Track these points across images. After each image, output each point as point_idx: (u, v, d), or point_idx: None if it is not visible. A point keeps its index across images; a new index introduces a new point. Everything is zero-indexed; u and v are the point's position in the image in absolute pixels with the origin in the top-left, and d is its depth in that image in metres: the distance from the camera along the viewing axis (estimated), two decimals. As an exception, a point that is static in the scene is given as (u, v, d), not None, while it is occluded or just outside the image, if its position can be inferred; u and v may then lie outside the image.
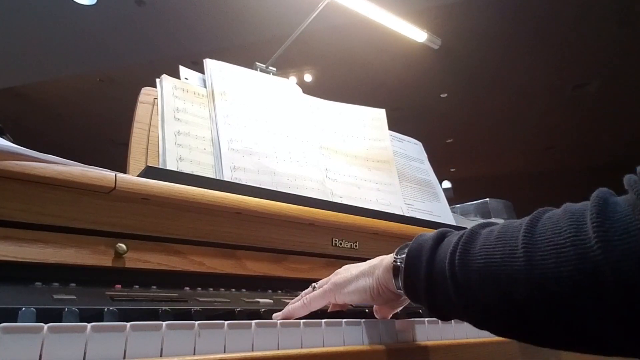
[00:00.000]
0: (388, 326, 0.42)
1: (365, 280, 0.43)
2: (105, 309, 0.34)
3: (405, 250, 0.39)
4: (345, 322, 0.39)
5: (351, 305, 0.46)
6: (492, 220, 1.12)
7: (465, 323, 0.47)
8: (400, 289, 0.40)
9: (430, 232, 0.40)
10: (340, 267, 0.47)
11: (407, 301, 0.43)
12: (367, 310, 0.47)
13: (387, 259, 0.41)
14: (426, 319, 0.45)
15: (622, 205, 0.27)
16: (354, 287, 0.43)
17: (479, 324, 0.35)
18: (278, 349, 0.34)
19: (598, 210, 0.27)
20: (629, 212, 0.26)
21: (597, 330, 0.27)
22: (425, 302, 0.38)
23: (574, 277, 0.27)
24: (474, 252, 0.33)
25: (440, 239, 0.38)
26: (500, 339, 0.49)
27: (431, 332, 0.44)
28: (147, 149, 0.63)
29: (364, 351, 0.38)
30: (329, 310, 0.46)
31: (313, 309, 0.43)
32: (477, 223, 0.38)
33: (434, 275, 0.36)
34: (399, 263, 0.40)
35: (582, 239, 0.27)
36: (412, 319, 0.44)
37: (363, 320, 0.40)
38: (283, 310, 0.43)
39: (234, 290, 0.51)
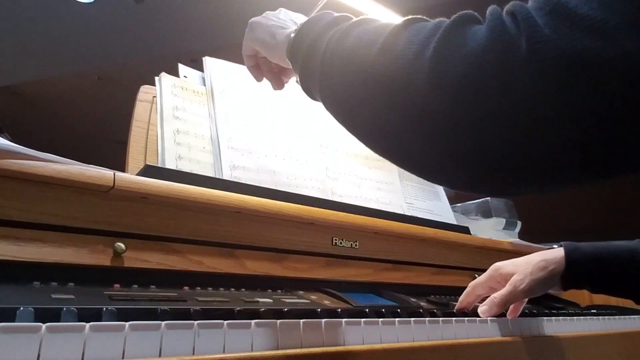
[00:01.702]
0: (387, 325, 0.42)
1: (275, 34, 0.49)
2: (104, 309, 0.33)
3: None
4: (345, 321, 0.39)
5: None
6: (494, 219, 1.12)
7: (466, 323, 0.47)
8: (288, 52, 0.45)
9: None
10: (341, 266, 0.46)
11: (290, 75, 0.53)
12: (366, 310, 0.47)
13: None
14: (427, 319, 0.45)
15: (473, 29, 0.29)
16: (263, 33, 0.52)
17: (334, 109, 0.37)
18: (278, 348, 0.34)
19: (450, 27, 0.29)
20: (478, 28, 0.28)
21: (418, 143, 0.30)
22: (299, 71, 0.40)
23: (404, 82, 0.29)
24: (351, 34, 0.36)
25: (341, 20, 0.40)
26: (501, 338, 0.49)
27: (431, 332, 0.44)
28: (146, 147, 0.63)
29: (364, 351, 0.38)
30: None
31: (246, 53, 0.58)
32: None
33: (314, 48, 0.39)
34: (294, 34, 0.44)
35: (425, 45, 0.29)
36: (413, 318, 0.44)
37: (363, 320, 0.40)
38: None
39: (233, 289, 0.51)
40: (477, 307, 0.55)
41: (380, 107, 0.31)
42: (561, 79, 0.24)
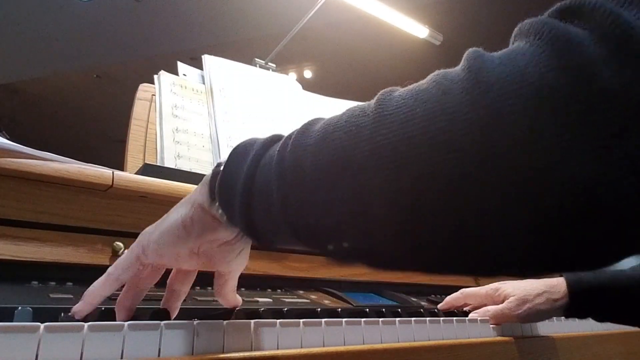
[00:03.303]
0: (387, 325, 0.41)
1: (178, 210, 0.30)
2: (103, 308, 0.33)
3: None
4: (345, 321, 0.39)
5: (169, 268, 0.33)
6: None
7: (467, 323, 0.47)
8: (215, 202, 0.28)
9: None
10: (341, 266, 0.46)
11: (240, 238, 0.31)
12: (367, 310, 0.47)
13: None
14: (427, 319, 0.45)
15: (506, 50, 0.20)
16: (164, 225, 0.31)
17: (309, 241, 0.24)
18: (277, 348, 0.34)
19: (475, 54, 0.21)
20: (516, 46, 0.20)
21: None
22: (239, 215, 0.26)
23: (428, 114, 0.19)
24: (311, 131, 0.24)
25: (278, 138, 0.27)
26: (502, 339, 0.49)
27: (432, 332, 0.44)
28: (145, 146, 0.62)
29: (364, 351, 0.38)
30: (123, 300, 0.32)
31: (121, 280, 0.31)
32: None
33: (257, 172, 0.25)
34: (220, 168, 0.28)
35: (447, 77, 0.21)
36: (414, 318, 0.44)
37: (363, 319, 0.40)
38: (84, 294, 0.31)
39: (233, 289, 0.51)
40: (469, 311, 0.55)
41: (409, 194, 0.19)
42: None
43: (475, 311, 0.54)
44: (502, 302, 0.54)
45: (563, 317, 0.59)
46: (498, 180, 0.18)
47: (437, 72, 0.22)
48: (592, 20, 0.18)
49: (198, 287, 0.48)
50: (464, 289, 0.58)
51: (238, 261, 0.34)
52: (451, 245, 0.20)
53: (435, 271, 0.23)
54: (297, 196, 0.23)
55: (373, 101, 0.23)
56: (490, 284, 0.57)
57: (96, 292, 0.31)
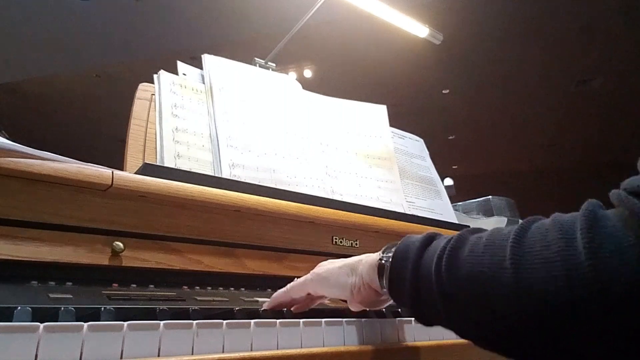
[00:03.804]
0: (388, 325, 0.41)
1: (348, 275, 0.42)
2: (102, 308, 0.33)
3: (393, 250, 0.39)
4: (345, 321, 0.39)
5: (328, 300, 0.46)
6: (495, 218, 1.11)
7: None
8: (385, 288, 0.39)
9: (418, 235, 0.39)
10: None
11: (386, 303, 0.43)
12: (367, 310, 0.46)
13: (372, 257, 0.41)
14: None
15: (612, 219, 0.26)
16: (335, 280, 0.42)
17: (463, 334, 0.34)
18: (277, 348, 0.34)
19: (588, 224, 0.27)
20: (620, 228, 0.26)
21: (581, 348, 0.27)
22: (410, 306, 0.36)
23: (562, 294, 0.26)
24: (462, 258, 0.33)
25: (428, 242, 0.37)
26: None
27: (433, 332, 0.44)
28: (145, 145, 0.62)
29: (365, 351, 0.38)
30: (297, 307, 0.45)
31: (295, 296, 0.44)
32: (470, 226, 0.38)
33: (419, 280, 0.35)
34: (384, 262, 0.39)
35: (572, 254, 0.26)
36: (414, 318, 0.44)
37: (364, 319, 0.40)
38: (270, 299, 0.44)
39: (232, 289, 0.51)
40: None
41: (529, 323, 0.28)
42: None
43: None
44: None
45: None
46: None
47: (559, 228, 0.28)
48: None
49: (198, 287, 0.48)
50: None
51: (378, 307, 0.45)
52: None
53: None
54: (455, 308, 0.33)
55: (509, 250, 0.30)
56: None
57: (276, 297, 0.45)
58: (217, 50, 0.84)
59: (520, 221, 0.32)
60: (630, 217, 0.25)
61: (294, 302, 0.45)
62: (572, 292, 0.26)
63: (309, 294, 0.44)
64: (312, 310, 0.45)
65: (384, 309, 0.47)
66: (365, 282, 0.40)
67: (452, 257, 0.33)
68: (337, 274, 0.42)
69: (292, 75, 4.23)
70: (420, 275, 0.35)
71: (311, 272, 0.45)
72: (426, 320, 0.37)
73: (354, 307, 0.44)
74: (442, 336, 0.44)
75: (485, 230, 0.35)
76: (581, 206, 0.28)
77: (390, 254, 0.38)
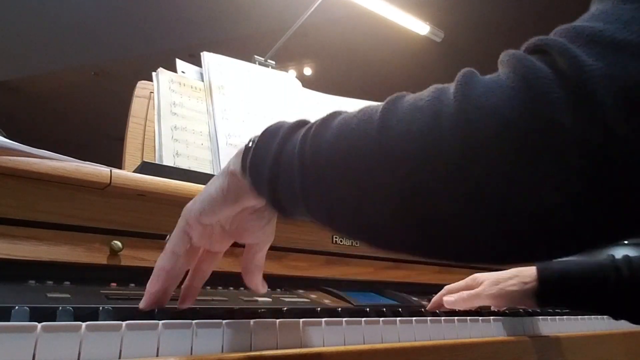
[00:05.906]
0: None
1: (215, 182, 0.35)
2: (100, 308, 0.33)
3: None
4: (345, 321, 0.38)
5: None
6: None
7: (468, 322, 0.47)
8: (246, 173, 0.33)
9: None
10: (341, 265, 0.46)
11: (267, 207, 0.35)
12: (367, 310, 0.46)
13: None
14: (429, 318, 0.44)
15: (492, 77, 0.24)
16: (204, 195, 0.36)
17: (322, 219, 0.30)
18: (277, 348, 0.33)
19: (465, 80, 0.24)
20: (502, 79, 0.23)
21: (441, 198, 0.24)
22: (266, 188, 0.31)
23: (422, 133, 0.24)
24: (329, 127, 0.29)
25: (303, 123, 0.32)
26: (504, 338, 0.49)
27: (433, 331, 0.44)
28: (143, 144, 0.62)
29: (365, 350, 0.37)
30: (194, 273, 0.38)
31: (176, 252, 0.36)
32: None
33: (282, 154, 0.31)
34: (251, 144, 0.33)
35: (441, 100, 0.24)
36: (415, 317, 0.44)
37: (364, 319, 0.40)
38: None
39: (232, 288, 0.51)
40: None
41: (398, 189, 0.25)
42: (621, 107, 0.20)
43: (450, 295, 0.57)
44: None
45: (565, 317, 0.59)
46: (472, 203, 0.23)
47: (434, 88, 0.26)
48: (555, 64, 0.22)
49: (197, 286, 0.48)
50: (446, 286, 0.59)
51: (266, 231, 0.39)
52: (428, 235, 0.26)
53: (420, 250, 0.28)
54: (314, 184, 0.29)
55: (380, 109, 0.27)
56: (470, 276, 0.60)
57: (160, 266, 0.36)
58: (217, 48, 0.84)
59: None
60: (568, 68, 0.21)
61: (185, 266, 0.37)
62: (430, 130, 0.24)
63: (193, 247, 0.36)
64: (312, 310, 0.45)
65: (384, 309, 0.47)
66: (232, 174, 0.34)
67: (321, 124, 0.30)
68: (206, 187, 0.36)
69: (292, 73, 4.20)
70: (284, 151, 0.31)
71: None
72: (283, 206, 0.32)
73: (219, 243, 0.37)
74: (443, 336, 0.44)
75: None
76: None
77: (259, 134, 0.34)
